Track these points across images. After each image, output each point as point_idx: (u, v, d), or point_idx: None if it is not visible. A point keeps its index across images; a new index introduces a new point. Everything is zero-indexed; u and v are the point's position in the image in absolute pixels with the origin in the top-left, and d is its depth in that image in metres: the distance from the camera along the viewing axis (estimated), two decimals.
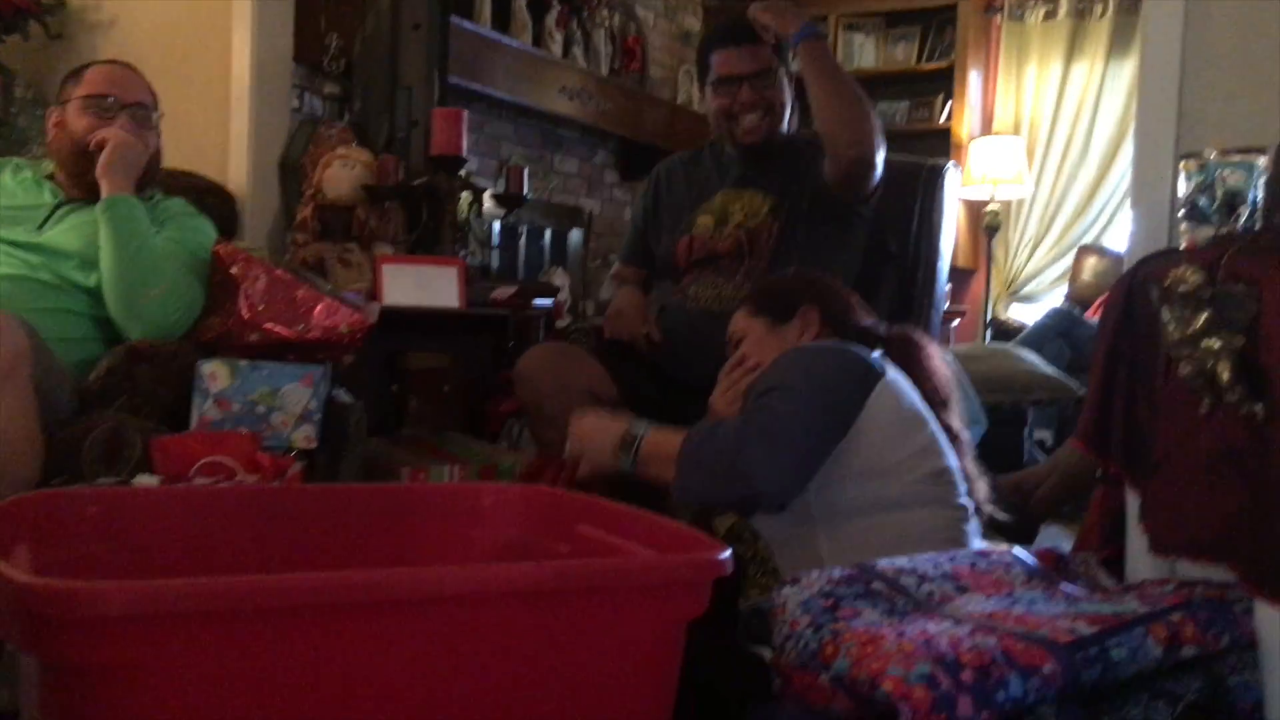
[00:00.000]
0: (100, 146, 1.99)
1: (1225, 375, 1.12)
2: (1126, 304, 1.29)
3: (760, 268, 2.12)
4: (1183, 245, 1.53)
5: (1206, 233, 1.46)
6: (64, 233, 1.96)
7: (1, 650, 1.27)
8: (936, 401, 1.58)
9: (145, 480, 1.58)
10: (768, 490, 1.39)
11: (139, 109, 2.07)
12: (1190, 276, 1.15)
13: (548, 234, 4.40)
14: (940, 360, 1.67)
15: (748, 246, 2.13)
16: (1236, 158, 1.45)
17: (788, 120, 2.22)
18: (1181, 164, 1.54)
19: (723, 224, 2.19)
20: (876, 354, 1.56)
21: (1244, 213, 1.44)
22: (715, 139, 2.33)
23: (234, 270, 1.97)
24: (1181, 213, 1.52)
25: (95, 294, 1.94)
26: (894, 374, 1.53)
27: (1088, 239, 5.10)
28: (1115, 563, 1.41)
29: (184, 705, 0.79)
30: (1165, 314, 1.18)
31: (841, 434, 1.43)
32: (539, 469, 1.77)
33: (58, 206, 2.02)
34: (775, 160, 2.21)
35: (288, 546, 1.25)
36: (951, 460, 1.51)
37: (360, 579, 0.86)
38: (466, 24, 3.59)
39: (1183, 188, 1.53)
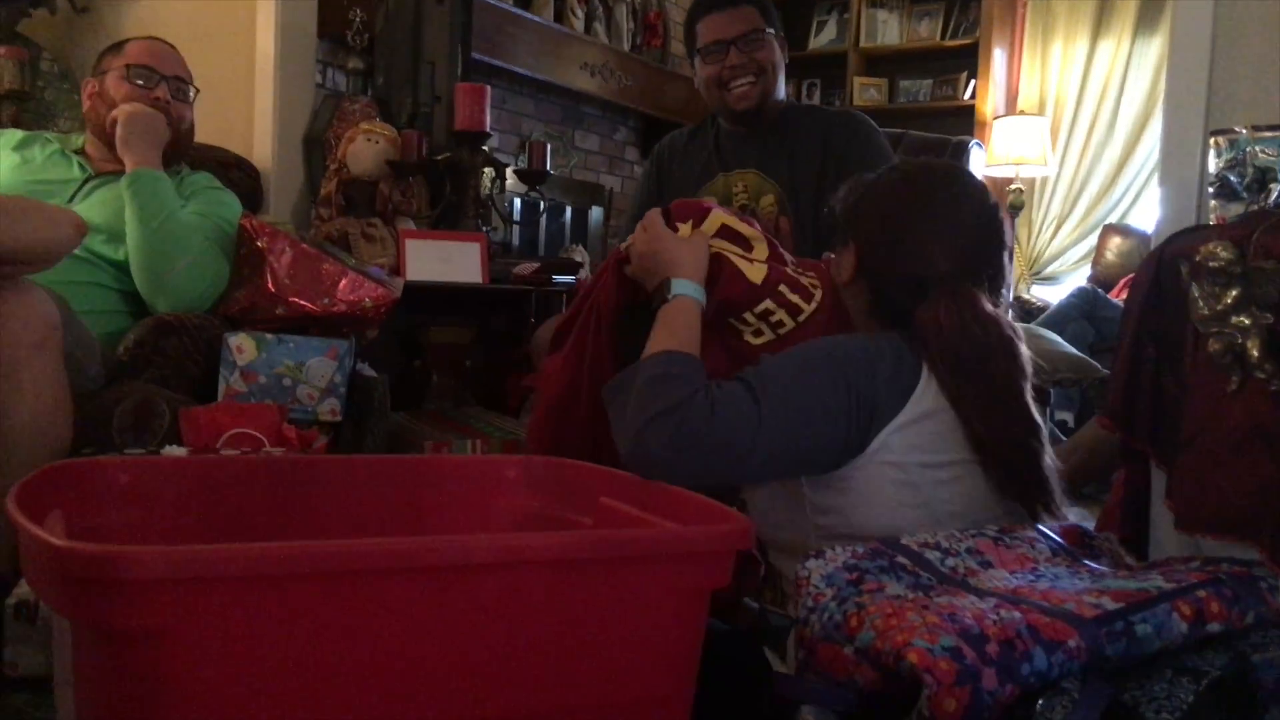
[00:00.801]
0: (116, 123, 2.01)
1: (1255, 352, 1.11)
2: (1155, 280, 1.28)
3: None
4: (1212, 221, 1.52)
5: (1237, 209, 1.46)
6: (92, 207, 1.98)
7: (36, 614, 1.29)
8: (998, 360, 1.21)
9: (174, 451, 1.60)
10: (634, 468, 1.21)
11: (176, 82, 2.10)
12: (1221, 252, 1.14)
13: (568, 211, 4.39)
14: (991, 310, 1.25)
15: None
16: (1268, 134, 1.44)
17: (782, 83, 2.17)
18: (1212, 140, 1.53)
19: (726, 204, 2.18)
20: (909, 361, 1.21)
21: (1275, 189, 1.43)
22: (714, 113, 2.28)
23: (260, 244, 1.98)
24: (1212, 189, 1.51)
25: (124, 267, 1.96)
26: (922, 394, 1.20)
27: (1112, 219, 5.06)
28: (1136, 543, 1.41)
29: (219, 669, 0.80)
30: (1194, 290, 1.17)
31: (794, 474, 1.22)
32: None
33: (86, 180, 2.04)
34: (774, 135, 2.16)
35: (313, 516, 1.26)
36: (973, 517, 1.19)
37: (396, 545, 0.87)
38: None
39: (1213, 164, 1.52)
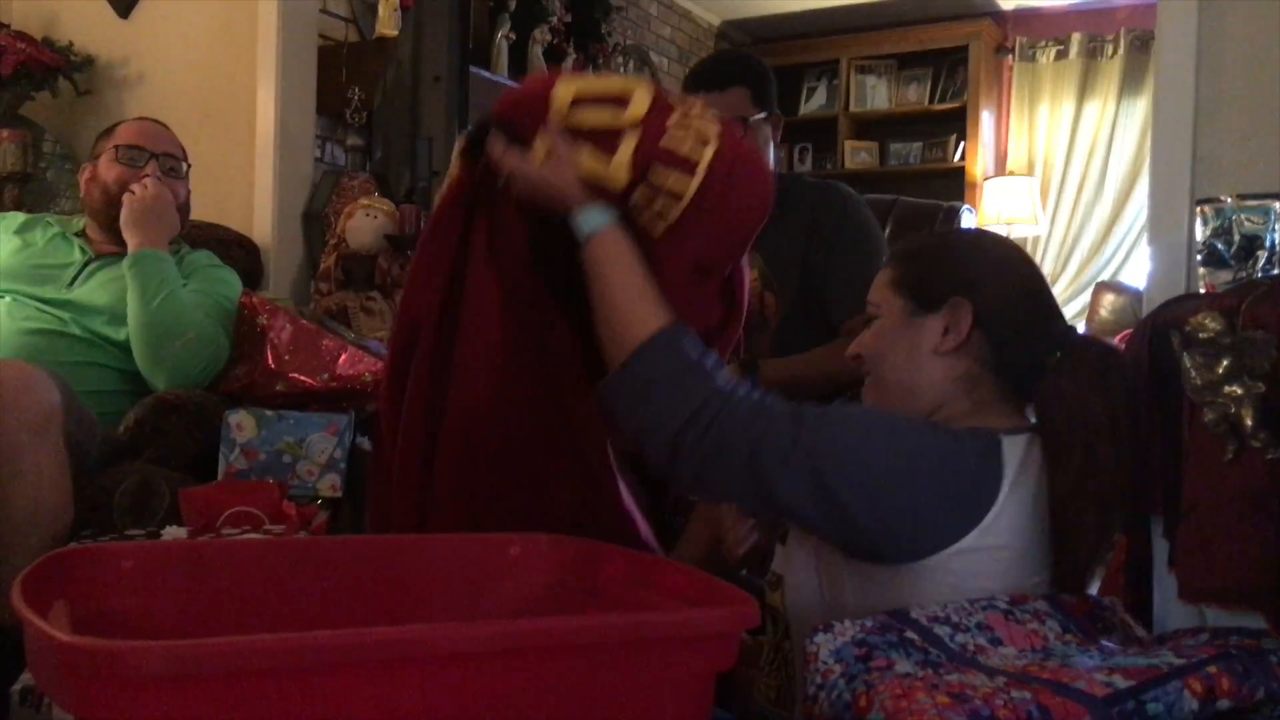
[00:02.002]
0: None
1: (1249, 421, 1.12)
2: (1149, 349, 1.30)
3: (764, 344, 1.98)
4: (1201, 289, 1.54)
5: (1225, 276, 1.48)
6: (94, 289, 2.00)
7: (41, 701, 1.28)
8: (1112, 441, 1.10)
9: (174, 531, 1.60)
10: (670, 480, 1.09)
11: (167, 159, 2.13)
12: (1210, 323, 1.16)
13: None
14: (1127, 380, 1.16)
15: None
16: (1253, 203, 1.47)
17: (770, 160, 2.05)
18: (1198, 209, 1.55)
19: None
20: (1012, 452, 1.10)
21: (1262, 257, 1.45)
22: None
23: (261, 320, 2.00)
24: (1200, 257, 1.54)
25: (125, 348, 1.97)
26: (993, 523, 1.08)
27: (1104, 276, 5.11)
28: (1140, 609, 1.40)
29: None
30: (1186, 360, 1.18)
31: (829, 527, 1.08)
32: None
33: (87, 263, 2.06)
34: None
35: (316, 598, 1.25)
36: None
37: (399, 635, 0.87)
38: (484, 73, 3.64)
39: (1200, 232, 1.55)
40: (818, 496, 1.05)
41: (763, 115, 2.04)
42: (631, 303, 1.10)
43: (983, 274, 1.18)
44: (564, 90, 1.14)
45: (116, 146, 2.11)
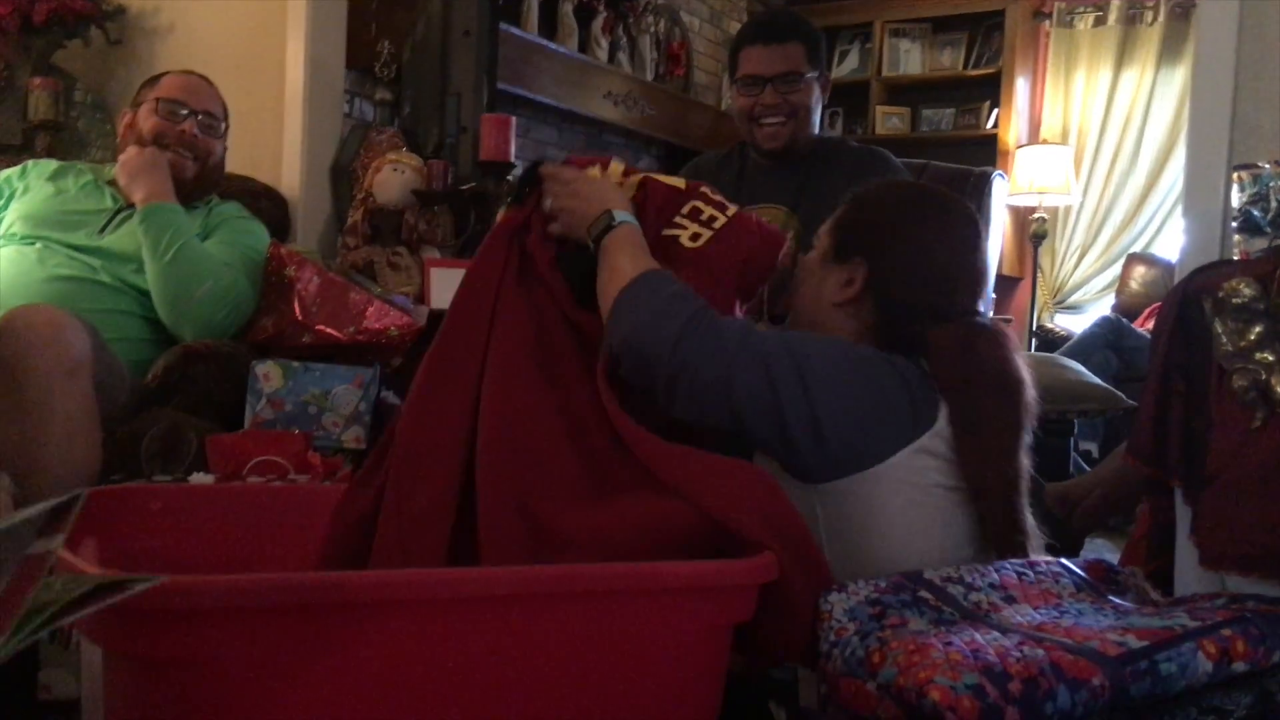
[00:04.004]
0: None
1: (1279, 388, 1.11)
2: (1180, 315, 1.28)
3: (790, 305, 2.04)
4: (1236, 256, 1.52)
5: (1260, 244, 1.46)
6: (124, 237, 2.01)
7: (70, 639, 1.31)
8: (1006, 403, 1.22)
9: (201, 478, 1.62)
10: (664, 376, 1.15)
11: (207, 116, 2.14)
12: (1244, 289, 1.15)
13: None
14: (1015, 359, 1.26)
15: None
16: None
17: (816, 122, 2.13)
18: (1235, 175, 1.53)
19: None
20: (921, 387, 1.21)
21: None
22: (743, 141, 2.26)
23: (288, 272, 2.01)
24: (1235, 224, 1.51)
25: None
26: (941, 425, 1.19)
27: (1136, 248, 5.05)
28: (1162, 577, 1.40)
29: (250, 699, 0.81)
30: (1218, 326, 1.17)
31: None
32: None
33: (118, 211, 2.07)
34: (801, 170, 2.12)
35: None
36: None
37: (423, 577, 0.89)
38: (514, 30, 3.62)
39: (1236, 199, 1.52)
40: (799, 400, 1.13)
41: (814, 74, 2.08)
42: (635, 259, 1.22)
43: (892, 247, 1.28)
44: (616, 166, 1.37)
45: (158, 99, 2.12)
